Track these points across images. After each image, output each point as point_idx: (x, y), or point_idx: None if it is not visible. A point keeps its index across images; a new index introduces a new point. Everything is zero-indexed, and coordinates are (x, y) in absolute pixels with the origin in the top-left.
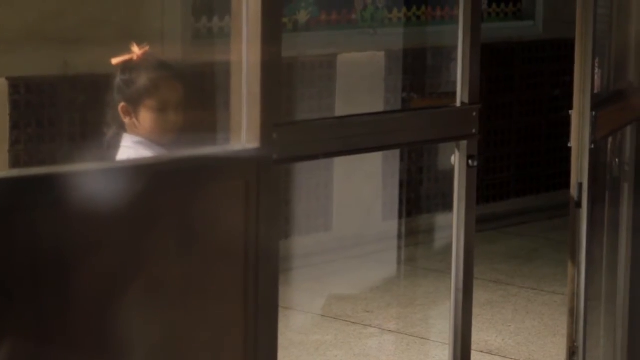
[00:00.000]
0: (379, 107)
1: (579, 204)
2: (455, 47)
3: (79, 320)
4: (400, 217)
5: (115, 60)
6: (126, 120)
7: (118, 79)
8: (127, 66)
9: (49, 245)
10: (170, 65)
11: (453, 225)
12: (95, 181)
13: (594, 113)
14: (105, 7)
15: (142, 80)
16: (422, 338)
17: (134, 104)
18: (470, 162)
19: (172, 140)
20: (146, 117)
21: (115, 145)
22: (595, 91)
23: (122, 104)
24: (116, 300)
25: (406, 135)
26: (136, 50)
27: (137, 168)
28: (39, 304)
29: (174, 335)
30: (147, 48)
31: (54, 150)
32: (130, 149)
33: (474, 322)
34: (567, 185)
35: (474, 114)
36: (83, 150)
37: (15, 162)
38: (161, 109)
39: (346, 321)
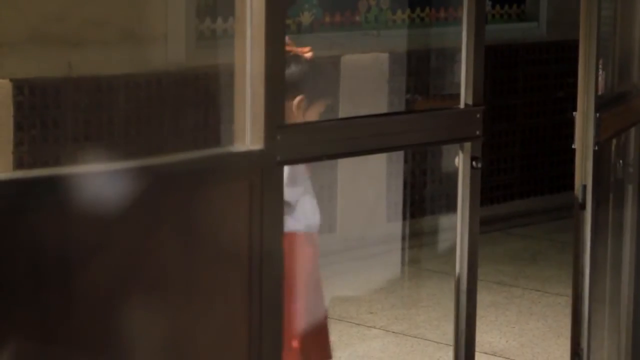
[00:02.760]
0: (383, 108)
1: (583, 206)
2: (459, 49)
3: (83, 322)
4: (404, 218)
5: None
6: (296, 113)
7: (294, 71)
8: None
9: (53, 246)
10: None
11: (457, 226)
12: (99, 183)
13: (598, 115)
14: (108, 8)
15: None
16: (425, 339)
17: (309, 97)
18: (474, 163)
19: None
20: (314, 112)
21: None
22: (599, 93)
23: (300, 97)
24: (120, 302)
25: (410, 136)
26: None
27: (141, 169)
28: (43, 306)
29: (178, 337)
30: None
31: (57, 151)
32: None
33: (477, 324)
34: (571, 186)
35: (478, 115)
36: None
37: (19, 164)
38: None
39: (350, 322)
